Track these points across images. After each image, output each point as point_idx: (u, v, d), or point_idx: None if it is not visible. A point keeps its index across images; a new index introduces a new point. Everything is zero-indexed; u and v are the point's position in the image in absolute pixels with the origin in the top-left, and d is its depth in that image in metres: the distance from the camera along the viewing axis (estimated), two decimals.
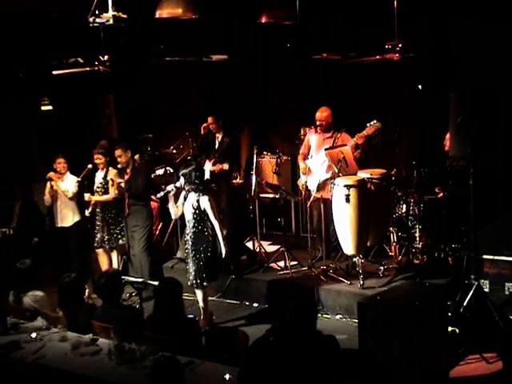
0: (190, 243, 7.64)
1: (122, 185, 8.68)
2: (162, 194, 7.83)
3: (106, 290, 6.05)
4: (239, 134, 10.47)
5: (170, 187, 7.68)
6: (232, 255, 7.90)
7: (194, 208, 7.57)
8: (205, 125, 9.57)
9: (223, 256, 7.60)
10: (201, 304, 7.81)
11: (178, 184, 7.66)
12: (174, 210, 7.79)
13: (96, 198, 8.85)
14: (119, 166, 8.77)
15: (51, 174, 8.95)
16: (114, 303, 6.03)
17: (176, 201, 7.75)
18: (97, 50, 8.61)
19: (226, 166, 9.18)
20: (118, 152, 8.61)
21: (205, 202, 7.53)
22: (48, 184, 8.94)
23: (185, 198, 7.65)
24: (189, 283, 7.68)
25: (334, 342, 5.03)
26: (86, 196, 8.80)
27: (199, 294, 7.78)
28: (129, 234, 8.76)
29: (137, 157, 9.16)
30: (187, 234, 7.70)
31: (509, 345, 4.40)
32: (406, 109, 9.47)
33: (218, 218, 7.64)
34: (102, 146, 8.92)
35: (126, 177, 8.70)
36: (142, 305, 6.65)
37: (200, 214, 7.57)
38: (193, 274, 7.66)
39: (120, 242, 8.93)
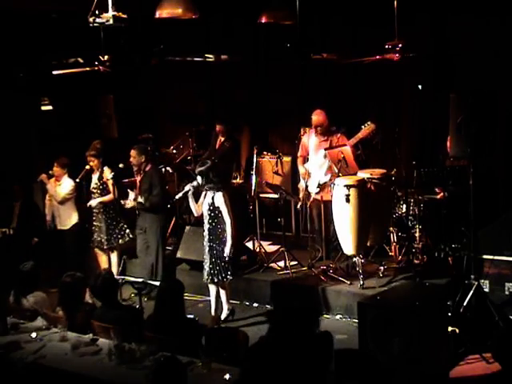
0: (206, 239, 7.74)
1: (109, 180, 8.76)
2: (180, 194, 7.93)
3: (102, 292, 6.06)
4: (239, 134, 10.48)
5: (187, 187, 7.76)
6: (234, 257, 7.92)
7: (209, 205, 7.67)
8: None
9: (225, 255, 7.64)
10: (213, 301, 7.88)
11: (194, 183, 7.73)
12: (195, 209, 7.85)
13: (99, 199, 8.83)
14: (121, 165, 8.82)
15: (43, 177, 8.99)
16: (112, 304, 6.03)
17: (196, 200, 7.81)
18: (97, 49, 8.62)
19: None
20: (132, 152, 8.64)
21: (219, 199, 7.61)
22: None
23: (204, 196, 7.73)
24: (203, 279, 7.78)
25: (329, 337, 5.00)
26: (94, 202, 8.82)
27: (213, 290, 7.85)
28: (138, 235, 8.81)
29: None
30: (203, 231, 7.79)
31: (502, 346, 4.42)
32: (406, 109, 9.47)
33: (232, 216, 7.65)
34: (93, 147, 8.88)
35: (138, 178, 8.72)
36: (142, 305, 6.66)
37: (214, 211, 7.65)
38: (207, 269, 7.73)
39: (120, 241, 8.94)
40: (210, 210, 7.68)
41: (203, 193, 7.78)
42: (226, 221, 7.63)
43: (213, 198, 7.64)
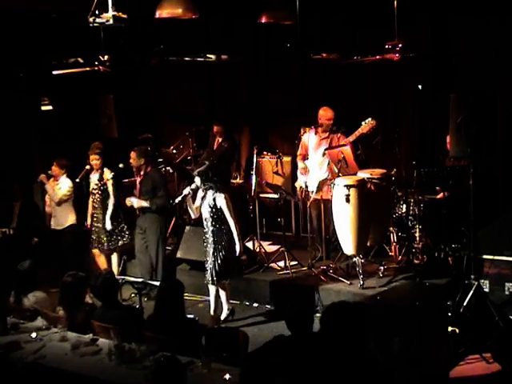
0: (209, 241, 7.72)
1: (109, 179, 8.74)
2: (179, 198, 7.90)
3: (102, 292, 6.06)
4: (239, 134, 10.48)
5: (186, 191, 7.74)
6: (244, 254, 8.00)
7: (210, 207, 7.65)
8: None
9: (237, 254, 7.68)
10: (212, 301, 7.87)
11: (193, 186, 7.72)
12: (193, 211, 7.85)
13: (108, 215, 8.76)
14: (121, 165, 8.81)
15: (42, 177, 9.00)
16: (112, 304, 6.03)
17: (193, 201, 7.81)
18: (97, 49, 8.61)
19: None
20: (132, 154, 8.64)
21: (221, 200, 7.61)
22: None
23: (202, 198, 7.72)
24: (205, 280, 7.78)
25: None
26: (108, 225, 8.77)
27: (212, 290, 7.85)
28: (137, 235, 8.80)
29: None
30: (205, 233, 7.78)
31: (502, 346, 4.42)
32: (406, 109, 9.47)
33: (234, 216, 7.66)
34: (96, 146, 8.89)
35: (138, 179, 8.72)
36: (142, 305, 6.66)
37: (217, 212, 7.64)
38: (209, 271, 7.73)
39: (120, 242, 8.93)
40: (212, 212, 7.66)
41: (199, 194, 7.75)
42: (229, 222, 7.63)
43: (214, 200, 7.63)
